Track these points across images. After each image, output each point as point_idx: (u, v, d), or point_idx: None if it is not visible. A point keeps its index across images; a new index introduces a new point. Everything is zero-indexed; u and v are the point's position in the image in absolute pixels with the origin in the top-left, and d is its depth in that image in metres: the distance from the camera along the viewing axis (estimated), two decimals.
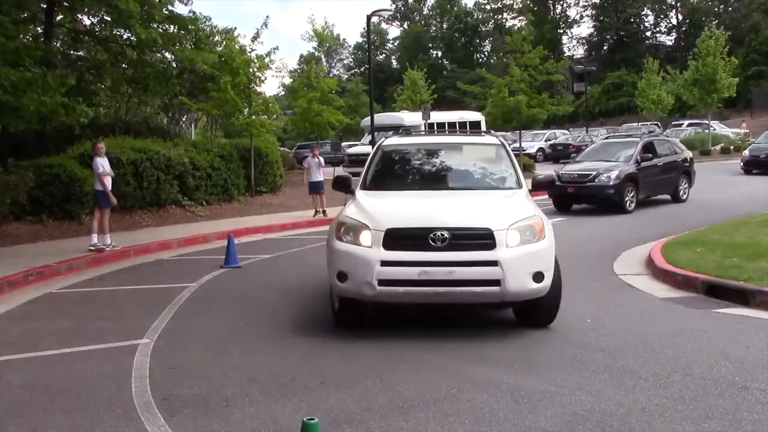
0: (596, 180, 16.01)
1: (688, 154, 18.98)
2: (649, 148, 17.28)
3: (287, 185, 22.31)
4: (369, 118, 27.73)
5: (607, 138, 24.08)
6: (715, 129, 40.46)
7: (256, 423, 4.39)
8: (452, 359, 5.64)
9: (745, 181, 23.11)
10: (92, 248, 11.56)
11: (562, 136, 45.17)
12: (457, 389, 4.91)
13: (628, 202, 15.98)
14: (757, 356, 5.50)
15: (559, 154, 40.81)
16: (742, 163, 25.69)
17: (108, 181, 11.81)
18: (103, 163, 11.80)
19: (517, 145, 31.54)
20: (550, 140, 42.97)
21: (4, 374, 5.54)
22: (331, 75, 57.52)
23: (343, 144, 40.11)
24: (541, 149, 41.50)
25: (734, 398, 4.60)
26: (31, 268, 10.03)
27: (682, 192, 17.77)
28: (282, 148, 32.77)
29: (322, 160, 17.69)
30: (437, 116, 31.11)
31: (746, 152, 26.40)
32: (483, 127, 33.69)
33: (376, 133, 26.07)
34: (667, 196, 17.73)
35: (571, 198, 16.72)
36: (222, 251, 10.91)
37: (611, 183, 15.86)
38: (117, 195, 15.20)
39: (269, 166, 20.98)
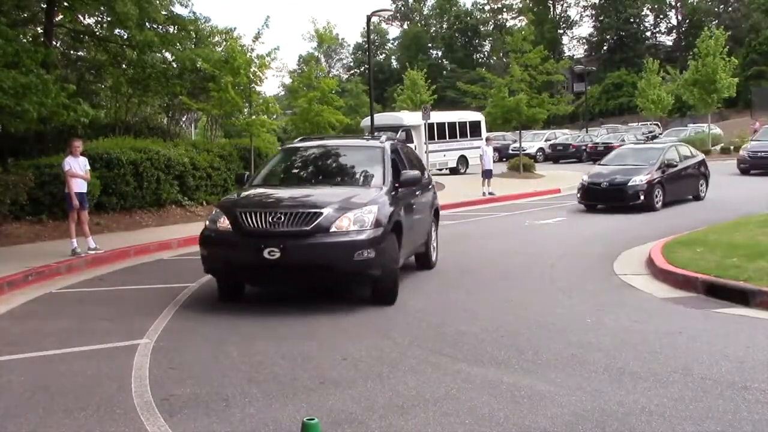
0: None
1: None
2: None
3: None
4: (369, 118, 27.75)
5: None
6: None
7: (256, 423, 4.39)
8: (452, 359, 5.65)
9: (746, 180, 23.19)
10: (71, 254, 11.15)
11: (562, 136, 45.21)
12: (457, 389, 4.91)
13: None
14: (757, 356, 5.50)
15: (558, 154, 40.89)
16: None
17: (74, 183, 11.23)
18: (71, 163, 11.26)
19: (517, 144, 31.53)
20: (549, 140, 43.01)
21: (4, 374, 5.54)
22: (330, 75, 57.52)
23: None
24: (541, 149, 41.57)
25: (734, 398, 4.60)
26: (31, 268, 10.02)
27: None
28: None
29: None
30: (437, 116, 31.15)
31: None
32: (483, 128, 33.77)
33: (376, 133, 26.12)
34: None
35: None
36: None
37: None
38: (117, 195, 15.33)
39: None
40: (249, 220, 7.51)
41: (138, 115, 24.59)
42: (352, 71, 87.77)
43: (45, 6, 17.27)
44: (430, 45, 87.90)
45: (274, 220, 7.43)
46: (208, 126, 31.01)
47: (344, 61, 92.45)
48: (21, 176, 13.41)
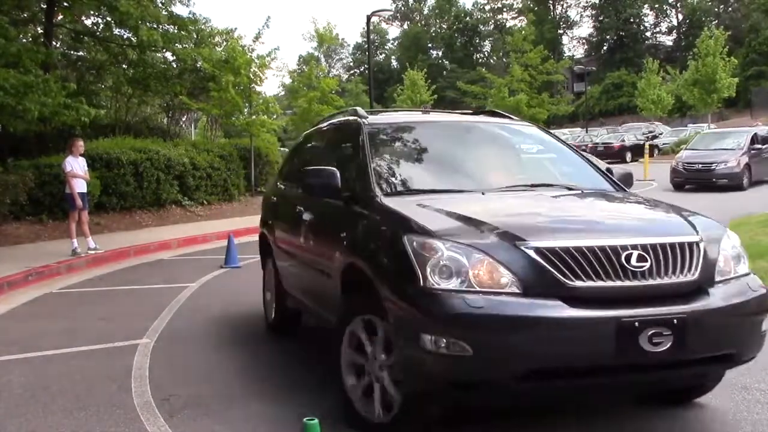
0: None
1: None
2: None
3: None
4: None
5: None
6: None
7: (256, 423, 4.39)
8: None
9: None
10: (72, 254, 11.19)
11: (561, 136, 45.24)
12: None
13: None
14: (757, 356, 5.48)
15: None
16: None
17: (76, 183, 11.26)
18: (72, 163, 11.27)
19: None
20: None
21: (4, 374, 5.54)
22: (330, 75, 57.58)
23: None
24: None
25: (734, 398, 4.60)
26: (31, 268, 10.02)
27: None
28: (282, 149, 32.76)
29: None
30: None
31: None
32: None
33: None
34: None
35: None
36: (222, 251, 10.91)
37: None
38: (117, 195, 15.34)
39: (269, 166, 21.00)
40: (579, 265, 3.40)
41: (138, 115, 24.62)
42: (352, 71, 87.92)
43: (45, 6, 17.29)
44: (430, 45, 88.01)
45: (635, 264, 3.47)
46: (208, 126, 31.03)
47: (344, 61, 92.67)
48: (21, 176, 13.43)
